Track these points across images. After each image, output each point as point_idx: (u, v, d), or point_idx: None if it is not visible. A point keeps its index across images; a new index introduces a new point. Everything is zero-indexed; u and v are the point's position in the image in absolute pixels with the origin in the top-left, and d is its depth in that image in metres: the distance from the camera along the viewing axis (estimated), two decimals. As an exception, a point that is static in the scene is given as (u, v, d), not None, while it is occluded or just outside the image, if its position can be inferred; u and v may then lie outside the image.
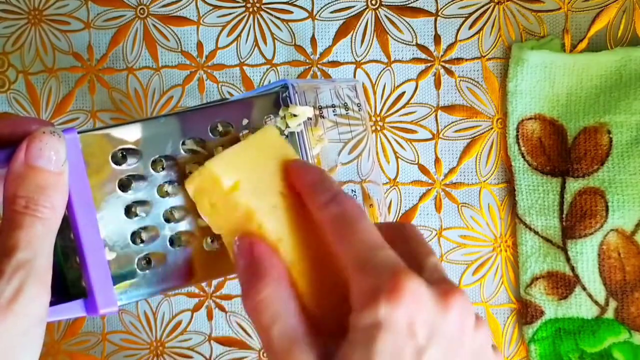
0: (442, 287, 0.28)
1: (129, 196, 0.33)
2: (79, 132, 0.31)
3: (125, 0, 0.55)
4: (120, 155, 0.33)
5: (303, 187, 0.32)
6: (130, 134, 0.33)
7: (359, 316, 0.27)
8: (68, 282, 0.33)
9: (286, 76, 0.54)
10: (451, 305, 0.27)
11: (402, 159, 0.53)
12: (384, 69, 0.53)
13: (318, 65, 0.54)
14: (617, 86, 0.49)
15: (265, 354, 0.53)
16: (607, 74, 0.49)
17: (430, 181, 0.53)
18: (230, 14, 0.54)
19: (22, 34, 0.57)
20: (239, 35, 0.54)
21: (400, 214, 0.53)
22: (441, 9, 0.52)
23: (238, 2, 0.54)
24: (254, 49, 0.54)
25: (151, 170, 0.34)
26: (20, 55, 0.57)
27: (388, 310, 0.26)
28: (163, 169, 0.34)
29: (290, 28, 0.54)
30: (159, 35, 0.55)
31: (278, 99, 0.38)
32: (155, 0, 0.55)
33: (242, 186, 0.31)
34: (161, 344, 0.56)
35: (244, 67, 0.54)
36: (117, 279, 0.33)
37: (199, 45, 0.55)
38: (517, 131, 0.51)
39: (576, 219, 0.50)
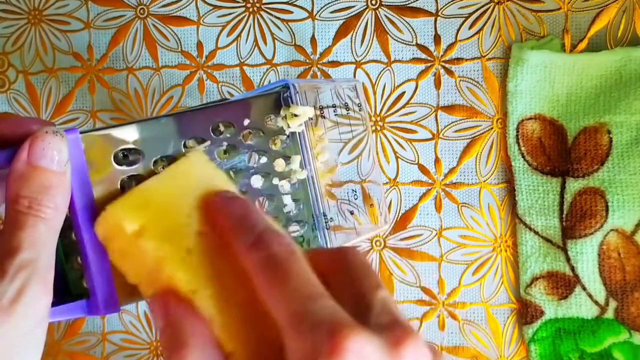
0: (391, 334, 0.24)
1: None
2: (80, 133, 0.31)
3: (125, 0, 0.55)
4: (122, 155, 0.33)
5: (224, 226, 0.28)
6: (132, 134, 0.33)
7: None
8: (70, 283, 0.33)
9: (286, 76, 0.54)
10: (402, 356, 0.24)
11: (402, 159, 0.53)
12: (384, 69, 0.53)
13: (318, 65, 0.54)
14: (617, 86, 0.49)
15: None
16: (607, 74, 0.49)
17: (430, 181, 0.53)
18: (230, 14, 0.54)
19: (22, 34, 0.57)
20: (239, 35, 0.54)
21: (400, 214, 0.53)
22: (441, 9, 0.52)
23: (238, 2, 0.54)
24: (254, 49, 0.54)
25: (153, 171, 0.34)
26: (20, 55, 0.57)
27: None
28: (164, 169, 0.34)
29: (290, 28, 0.54)
30: (159, 35, 0.55)
31: (279, 99, 0.38)
32: (155, 0, 0.55)
33: (148, 231, 0.28)
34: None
35: (244, 67, 0.54)
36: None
37: (199, 45, 0.55)
38: (517, 131, 0.51)
39: (576, 219, 0.50)
